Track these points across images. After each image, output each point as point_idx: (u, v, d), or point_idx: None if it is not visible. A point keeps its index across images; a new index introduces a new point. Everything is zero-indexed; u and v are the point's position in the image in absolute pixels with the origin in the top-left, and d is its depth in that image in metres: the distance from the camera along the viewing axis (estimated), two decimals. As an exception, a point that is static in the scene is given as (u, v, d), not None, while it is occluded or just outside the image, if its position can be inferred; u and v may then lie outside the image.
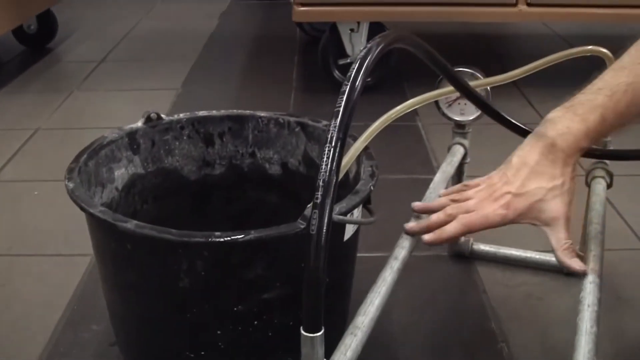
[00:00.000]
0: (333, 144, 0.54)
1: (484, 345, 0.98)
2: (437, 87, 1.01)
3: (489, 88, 1.04)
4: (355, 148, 0.80)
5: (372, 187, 0.80)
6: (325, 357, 0.57)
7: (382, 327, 1.01)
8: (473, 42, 2.48)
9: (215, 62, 2.28)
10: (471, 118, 1.07)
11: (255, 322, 0.77)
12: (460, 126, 1.09)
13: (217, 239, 0.70)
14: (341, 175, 0.77)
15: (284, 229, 0.71)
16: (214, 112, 1.02)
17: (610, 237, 1.23)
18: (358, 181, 0.83)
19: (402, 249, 0.80)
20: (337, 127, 0.55)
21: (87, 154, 0.89)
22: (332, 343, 0.61)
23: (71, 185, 0.81)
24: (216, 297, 0.75)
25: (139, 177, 0.98)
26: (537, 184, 0.74)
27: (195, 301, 0.76)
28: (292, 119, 1.00)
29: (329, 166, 0.54)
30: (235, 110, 1.02)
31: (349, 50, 1.88)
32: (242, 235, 0.70)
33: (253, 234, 0.70)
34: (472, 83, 0.93)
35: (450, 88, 0.90)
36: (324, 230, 0.53)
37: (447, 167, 1.01)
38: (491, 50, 2.40)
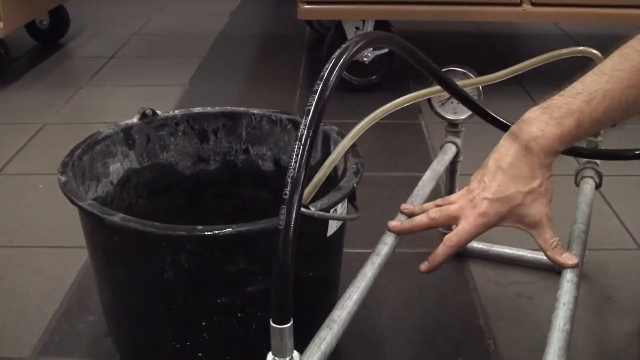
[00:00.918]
0: (302, 142, 0.56)
1: (470, 342, 0.99)
2: (428, 86, 1.02)
3: (480, 87, 1.05)
4: (343, 146, 0.82)
5: (355, 184, 0.81)
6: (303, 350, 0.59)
7: (372, 322, 1.03)
8: (480, 41, 2.48)
9: (223, 59, 2.30)
10: (463, 117, 1.08)
11: (239, 315, 0.79)
12: (453, 125, 1.10)
13: (199, 233, 0.72)
14: (328, 172, 0.79)
15: (263, 224, 0.73)
16: (209, 109, 1.04)
17: (605, 237, 1.25)
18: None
19: (385, 245, 0.81)
20: (307, 126, 0.56)
21: (81, 148, 0.92)
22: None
23: (63, 179, 0.83)
24: (200, 289, 0.77)
25: (134, 171, 1.00)
26: (515, 188, 0.76)
27: (179, 293, 0.78)
28: (284, 116, 1.01)
29: (297, 163, 0.56)
30: (229, 107, 1.04)
31: (353, 48, 1.89)
32: (223, 230, 0.72)
33: (234, 229, 0.72)
34: (459, 82, 0.94)
35: (438, 87, 0.91)
36: (292, 225, 0.55)
37: (437, 166, 1.02)
38: (498, 50, 2.40)
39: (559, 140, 0.74)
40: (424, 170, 1.00)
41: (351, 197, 0.85)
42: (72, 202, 0.79)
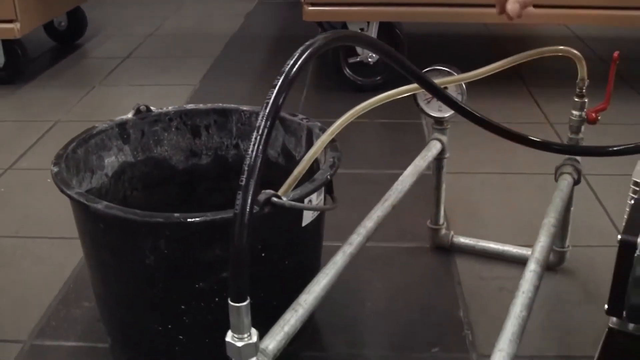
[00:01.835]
0: (259, 132, 0.60)
1: (449, 332, 1.02)
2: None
3: (464, 86, 1.08)
4: (322, 141, 0.86)
5: (329, 177, 0.85)
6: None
7: (355, 312, 1.07)
8: (488, 43, 2.50)
9: (235, 60, 2.35)
10: (448, 115, 1.11)
11: (217, 299, 0.83)
12: (438, 122, 1.13)
13: (176, 220, 0.76)
14: (308, 165, 0.83)
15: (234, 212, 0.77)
16: (201, 106, 1.08)
17: (593, 234, 1.27)
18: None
19: (358, 235, 0.85)
20: (264, 117, 0.60)
21: (76, 141, 0.97)
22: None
23: (55, 169, 0.88)
24: (179, 274, 0.81)
25: (128, 165, 1.05)
26: None
27: (160, 278, 0.82)
28: (271, 113, 1.05)
29: (254, 152, 0.59)
30: (220, 104, 1.08)
31: (358, 49, 1.93)
32: (199, 217, 0.76)
33: (209, 216, 0.76)
34: (438, 81, 0.98)
35: (415, 85, 0.95)
36: (247, 210, 0.59)
37: (420, 161, 1.05)
38: (507, 52, 2.41)
39: None
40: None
41: (328, 189, 0.89)
42: (62, 191, 0.84)
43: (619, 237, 0.70)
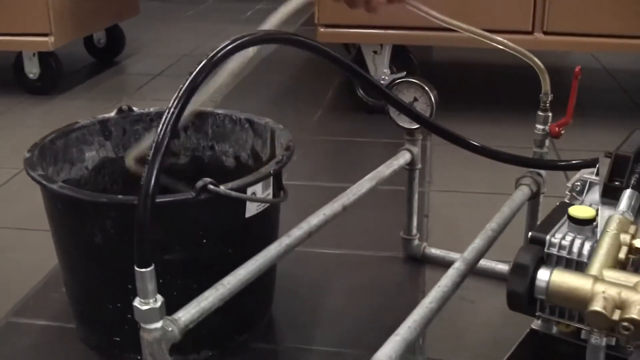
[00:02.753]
0: (170, 112, 0.65)
1: (401, 334, 1.05)
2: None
3: (433, 100, 1.12)
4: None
5: (272, 171, 0.90)
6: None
7: (313, 310, 1.11)
8: (513, 72, 2.52)
9: (261, 80, 2.43)
10: (417, 126, 1.15)
11: (160, 281, 0.87)
12: (409, 133, 1.17)
13: (118, 201, 0.83)
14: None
15: (176, 197, 0.83)
16: (180, 108, 1.15)
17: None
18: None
19: (299, 229, 0.89)
20: (177, 99, 0.66)
21: (55, 134, 1.04)
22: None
23: (28, 155, 0.95)
24: (124, 254, 0.86)
25: (109, 160, 1.12)
26: None
27: (107, 257, 0.88)
28: (242, 116, 1.11)
29: (163, 130, 0.65)
30: (198, 108, 1.15)
31: (371, 70, 1.98)
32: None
33: (148, 199, 0.82)
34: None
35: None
36: (152, 183, 0.64)
37: (382, 168, 1.09)
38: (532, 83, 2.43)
39: None
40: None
41: (278, 184, 0.94)
42: (27, 173, 0.91)
43: (530, 233, 0.73)
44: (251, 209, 0.90)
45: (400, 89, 1.14)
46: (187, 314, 0.72)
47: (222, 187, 0.83)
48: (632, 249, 0.62)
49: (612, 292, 0.56)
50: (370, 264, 1.25)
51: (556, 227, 0.71)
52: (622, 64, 2.49)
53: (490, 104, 2.15)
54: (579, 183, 0.77)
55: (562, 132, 1.06)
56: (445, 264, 1.23)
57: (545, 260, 0.69)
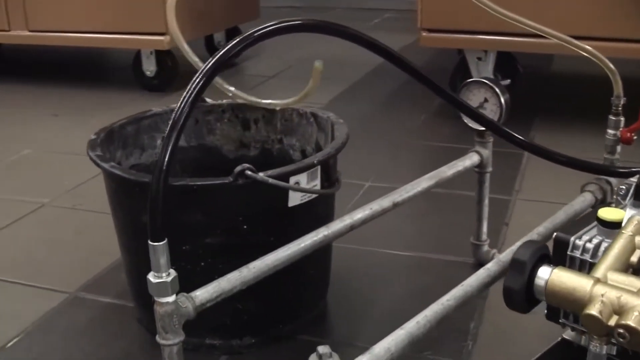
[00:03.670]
0: (188, 95, 0.67)
1: (450, 340, 1.02)
2: (458, 94, 1.07)
3: (503, 103, 1.08)
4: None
5: (315, 161, 0.90)
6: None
7: (367, 308, 1.09)
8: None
9: (368, 86, 2.43)
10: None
11: (202, 264, 0.90)
12: (479, 135, 1.13)
13: (159, 182, 0.85)
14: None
15: (215, 180, 0.84)
16: (250, 101, 1.17)
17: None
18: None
19: (341, 222, 0.88)
20: (195, 83, 0.68)
21: (127, 119, 1.09)
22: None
23: (93, 136, 1.01)
24: (168, 234, 0.89)
25: (181, 149, 1.16)
26: None
27: (152, 236, 0.91)
28: (308, 111, 1.12)
29: (180, 111, 0.67)
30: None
31: (475, 77, 1.93)
32: (179, 181, 0.84)
33: (187, 182, 0.84)
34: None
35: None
36: (166, 158, 0.66)
37: (445, 168, 1.06)
38: None
39: None
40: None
41: (327, 176, 0.94)
42: (88, 154, 0.96)
43: (554, 234, 0.69)
44: (294, 199, 0.91)
45: (470, 88, 1.11)
46: (205, 293, 0.73)
47: (260, 174, 0.84)
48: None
49: (612, 296, 0.52)
50: (437, 268, 1.22)
51: (585, 230, 0.66)
52: None
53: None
54: (623, 187, 0.72)
55: (634, 137, 0.99)
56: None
57: (568, 263, 0.65)
